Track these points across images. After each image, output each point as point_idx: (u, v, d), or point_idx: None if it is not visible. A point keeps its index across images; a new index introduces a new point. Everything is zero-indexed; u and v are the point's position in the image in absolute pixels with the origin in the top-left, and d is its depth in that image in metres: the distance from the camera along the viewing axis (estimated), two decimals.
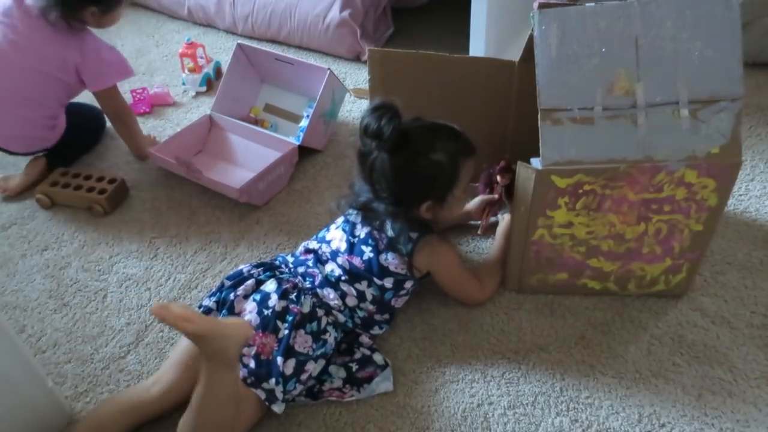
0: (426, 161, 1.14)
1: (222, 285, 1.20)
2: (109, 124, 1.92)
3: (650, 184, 1.10)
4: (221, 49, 2.37)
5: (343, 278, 1.19)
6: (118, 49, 1.81)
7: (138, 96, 2.04)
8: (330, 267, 1.21)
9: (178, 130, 1.82)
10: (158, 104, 2.07)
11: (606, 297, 1.30)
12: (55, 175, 1.71)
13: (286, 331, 1.10)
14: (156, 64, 2.34)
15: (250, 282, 1.17)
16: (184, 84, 2.14)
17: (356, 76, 2.14)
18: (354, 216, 1.23)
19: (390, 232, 1.17)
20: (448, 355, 1.23)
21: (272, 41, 2.39)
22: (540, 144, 1.09)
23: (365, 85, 1.84)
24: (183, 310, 0.94)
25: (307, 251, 1.26)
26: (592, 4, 1.08)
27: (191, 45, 2.11)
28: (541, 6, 1.09)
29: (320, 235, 1.29)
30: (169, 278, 1.45)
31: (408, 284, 1.22)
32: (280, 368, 1.07)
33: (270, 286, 1.15)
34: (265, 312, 1.11)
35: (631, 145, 1.08)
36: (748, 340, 1.21)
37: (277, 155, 1.64)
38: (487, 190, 1.42)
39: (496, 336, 1.25)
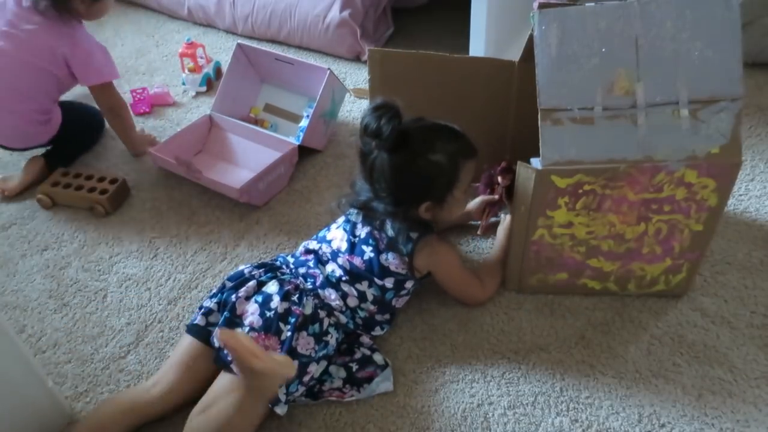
0: (425, 162, 1.13)
1: (223, 286, 1.20)
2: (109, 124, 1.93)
3: (650, 184, 1.10)
4: (221, 49, 2.37)
5: (343, 279, 1.19)
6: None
7: (138, 96, 2.04)
8: (331, 267, 1.21)
9: (178, 130, 1.82)
10: (158, 104, 2.07)
11: (606, 297, 1.30)
12: (56, 176, 1.71)
13: (289, 333, 1.09)
14: (156, 64, 2.34)
15: (252, 283, 1.17)
16: (184, 84, 2.14)
17: (356, 76, 2.14)
18: (355, 215, 1.23)
19: (390, 232, 1.17)
20: (448, 355, 1.23)
21: (272, 41, 2.39)
22: (540, 144, 1.09)
23: (365, 85, 1.84)
24: (252, 344, 0.97)
25: (308, 251, 1.26)
26: (592, 4, 1.08)
27: (191, 45, 2.11)
28: (541, 6, 1.09)
29: (320, 234, 1.29)
30: (169, 278, 1.45)
31: (408, 284, 1.22)
32: None
33: (272, 287, 1.15)
34: (268, 314, 1.10)
35: (631, 145, 1.08)
36: (748, 340, 1.21)
37: (277, 155, 1.64)
38: (488, 190, 1.42)
39: (496, 336, 1.25)
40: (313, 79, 1.75)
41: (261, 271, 1.21)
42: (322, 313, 1.16)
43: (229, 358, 1.07)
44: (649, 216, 1.15)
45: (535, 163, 1.12)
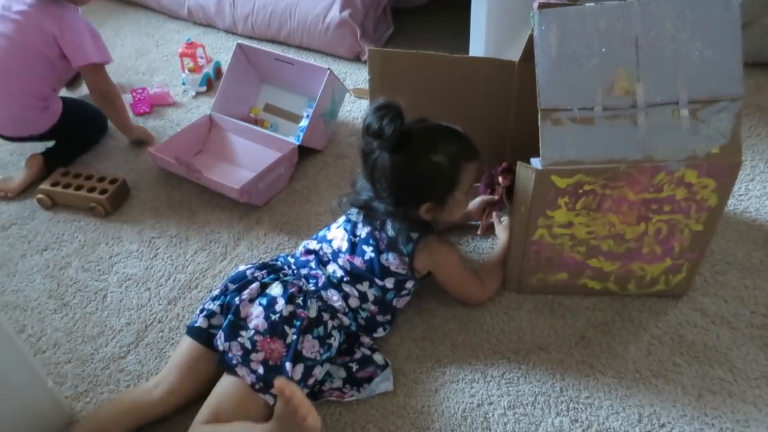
0: (427, 162, 1.13)
1: (226, 288, 1.19)
2: (109, 124, 1.93)
3: (650, 184, 1.10)
4: (221, 49, 2.37)
5: (345, 279, 1.19)
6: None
7: (138, 96, 2.04)
8: (332, 268, 1.21)
9: (178, 130, 1.82)
10: (158, 104, 2.07)
11: (606, 297, 1.30)
12: (56, 176, 1.71)
13: (294, 337, 1.09)
14: (156, 64, 2.34)
15: (255, 285, 1.16)
16: (184, 84, 2.14)
17: (356, 76, 2.14)
18: (355, 215, 1.23)
19: (390, 232, 1.17)
20: (448, 355, 1.23)
21: (272, 41, 2.39)
22: (540, 144, 1.09)
23: (365, 85, 1.84)
24: (307, 401, 0.95)
25: (308, 252, 1.26)
26: (592, 4, 1.08)
27: (191, 45, 2.11)
28: (541, 6, 1.09)
29: (320, 234, 1.29)
30: (169, 278, 1.45)
31: (409, 284, 1.22)
32: (289, 374, 1.07)
33: (276, 289, 1.15)
34: (273, 317, 1.10)
35: (631, 145, 1.08)
36: (748, 340, 1.21)
37: (277, 155, 1.64)
38: (488, 190, 1.42)
39: (496, 336, 1.25)
40: (313, 79, 1.75)
41: (263, 272, 1.20)
42: (326, 316, 1.16)
43: (234, 362, 1.08)
44: (649, 216, 1.15)
45: (535, 163, 1.12)
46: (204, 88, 2.12)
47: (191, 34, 2.44)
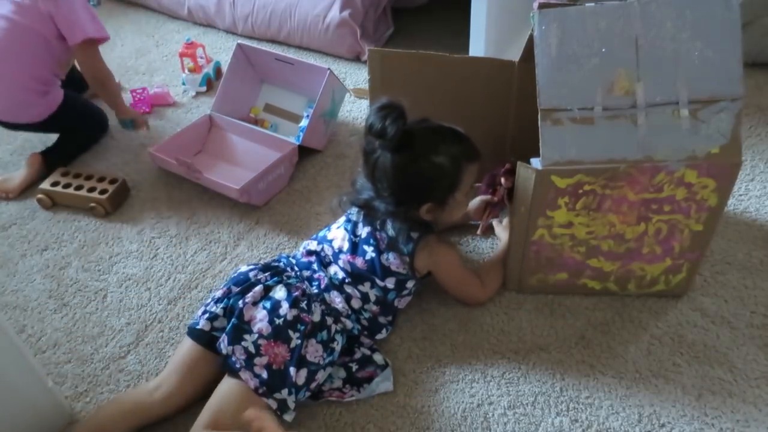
0: (428, 163, 1.13)
1: (229, 291, 1.18)
2: (112, 122, 1.93)
3: (650, 184, 1.10)
4: (221, 49, 2.37)
5: (346, 281, 1.19)
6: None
7: (138, 96, 2.04)
8: (333, 269, 1.21)
9: (178, 130, 1.82)
10: (158, 104, 2.07)
11: (606, 297, 1.30)
12: (56, 176, 1.71)
13: (298, 341, 1.09)
14: (156, 64, 2.34)
15: (258, 288, 1.15)
16: (184, 84, 2.14)
17: (356, 76, 2.15)
18: (356, 215, 1.23)
19: (391, 232, 1.17)
20: (448, 355, 1.23)
21: (272, 41, 2.39)
22: (540, 144, 1.09)
23: (365, 85, 1.84)
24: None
25: (309, 253, 1.26)
26: (592, 4, 1.08)
27: (191, 45, 2.11)
28: (541, 6, 1.09)
29: (321, 234, 1.29)
30: (169, 278, 1.45)
31: (410, 284, 1.22)
32: (293, 379, 1.07)
33: (280, 293, 1.14)
34: (277, 321, 1.10)
35: (631, 145, 1.08)
36: (748, 340, 1.21)
37: (277, 155, 1.64)
38: (489, 190, 1.41)
39: (496, 336, 1.25)
40: (313, 79, 1.75)
41: (267, 275, 1.19)
42: (329, 320, 1.15)
43: (237, 366, 1.07)
44: (649, 216, 1.15)
45: (535, 163, 1.12)
46: (204, 88, 2.12)
47: (191, 34, 2.44)
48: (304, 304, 1.13)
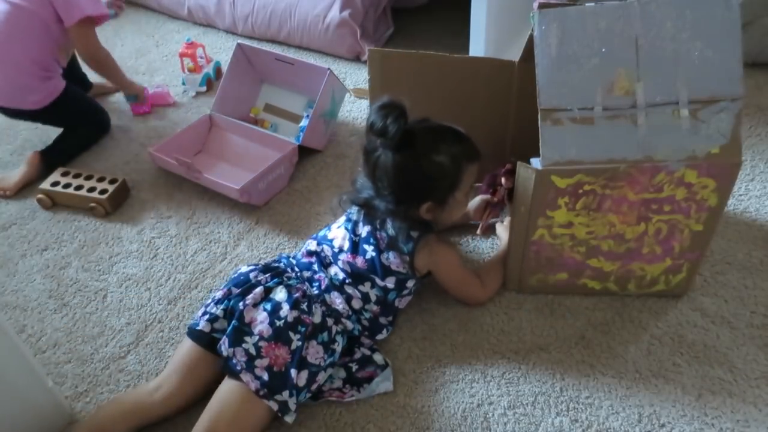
0: (428, 162, 1.14)
1: (229, 292, 1.18)
2: (115, 121, 1.94)
3: (650, 184, 1.10)
4: (221, 49, 2.37)
5: (347, 281, 1.19)
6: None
7: None
8: (333, 270, 1.21)
9: (178, 130, 1.82)
10: (158, 104, 2.07)
11: (606, 297, 1.30)
12: (56, 176, 1.71)
13: (299, 343, 1.09)
14: (156, 64, 2.34)
15: (259, 290, 1.15)
16: (184, 84, 2.14)
17: (356, 76, 2.15)
18: (356, 214, 1.23)
19: (390, 231, 1.17)
20: (448, 355, 1.23)
21: (272, 41, 2.39)
22: (540, 144, 1.09)
23: (365, 85, 1.84)
24: None
25: (309, 254, 1.26)
26: (592, 4, 1.08)
27: (191, 45, 2.11)
28: (541, 6, 1.09)
29: (321, 234, 1.29)
30: (169, 278, 1.45)
31: (410, 284, 1.22)
32: (294, 380, 1.07)
33: (280, 294, 1.14)
34: (278, 323, 1.10)
35: (631, 145, 1.08)
36: (748, 340, 1.21)
37: (277, 155, 1.64)
38: (490, 190, 1.41)
39: (496, 336, 1.25)
40: (313, 79, 1.75)
41: (267, 276, 1.19)
42: (330, 321, 1.15)
43: (238, 368, 1.07)
44: (649, 216, 1.15)
45: (535, 163, 1.12)
46: (204, 88, 2.12)
47: (191, 34, 2.44)
48: (304, 306, 1.13)
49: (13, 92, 1.74)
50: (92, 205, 1.63)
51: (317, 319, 1.13)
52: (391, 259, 1.17)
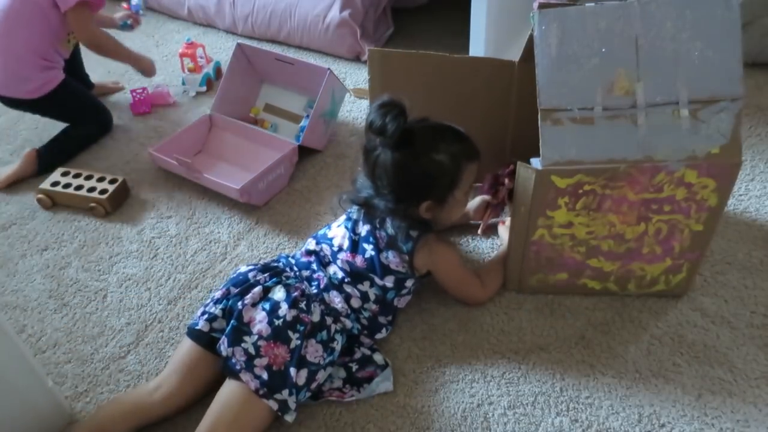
0: (428, 161, 1.14)
1: (228, 292, 1.18)
2: (115, 121, 1.94)
3: (650, 184, 1.10)
4: (221, 49, 2.37)
5: (346, 280, 1.19)
6: None
7: (138, 96, 2.03)
8: (332, 269, 1.21)
9: (178, 130, 1.82)
10: (158, 104, 2.07)
11: (606, 297, 1.30)
12: (56, 175, 1.71)
13: (298, 342, 1.09)
14: (156, 64, 2.33)
15: (258, 289, 1.15)
16: (184, 84, 2.14)
17: (356, 76, 2.15)
18: (356, 213, 1.23)
19: (390, 230, 1.17)
20: (448, 355, 1.23)
21: (272, 41, 2.39)
22: (540, 144, 1.09)
23: (365, 85, 1.84)
24: None
25: (308, 253, 1.26)
26: (592, 4, 1.08)
27: (191, 45, 2.11)
28: (541, 6, 1.09)
29: (320, 233, 1.29)
30: (169, 278, 1.45)
31: (409, 283, 1.22)
32: (293, 379, 1.07)
33: (279, 294, 1.14)
34: (276, 322, 1.10)
35: (631, 145, 1.08)
36: (748, 340, 1.21)
37: (277, 155, 1.64)
38: (492, 191, 1.40)
39: (496, 336, 1.25)
40: (313, 79, 1.75)
41: (266, 275, 1.19)
42: (329, 320, 1.15)
43: (238, 368, 1.07)
44: (649, 216, 1.15)
45: (535, 163, 1.12)
46: (204, 88, 2.12)
47: (191, 34, 2.44)
48: (303, 305, 1.13)
49: (9, 81, 1.75)
50: (92, 205, 1.63)
51: (316, 317, 1.13)
52: (391, 258, 1.17)
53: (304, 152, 1.74)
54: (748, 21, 1.86)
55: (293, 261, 1.26)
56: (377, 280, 1.18)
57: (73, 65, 1.96)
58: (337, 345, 1.15)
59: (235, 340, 1.09)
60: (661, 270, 1.24)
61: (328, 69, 1.70)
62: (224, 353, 1.09)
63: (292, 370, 1.07)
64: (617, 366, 1.18)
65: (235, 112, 1.86)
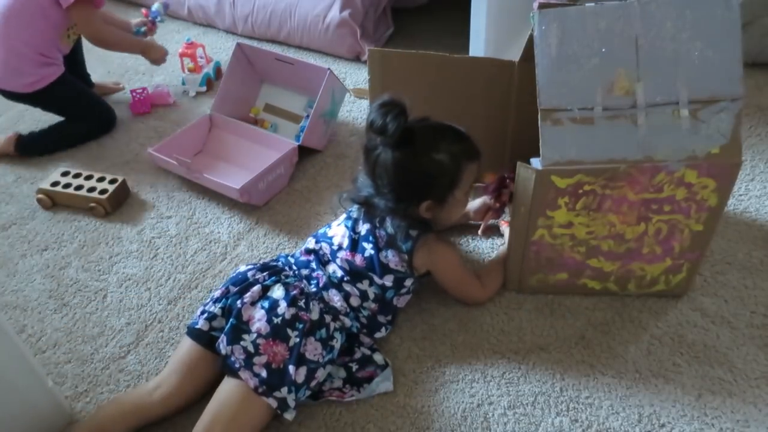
0: (428, 160, 1.14)
1: (227, 291, 1.18)
2: (118, 120, 1.95)
3: (650, 184, 1.10)
4: (221, 49, 2.37)
5: (345, 279, 1.19)
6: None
7: (138, 96, 2.03)
8: (332, 268, 1.21)
9: (178, 130, 1.82)
10: (158, 104, 2.07)
11: (606, 297, 1.30)
12: (56, 175, 1.71)
13: (297, 340, 1.09)
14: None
15: (257, 288, 1.15)
16: (184, 84, 2.14)
17: (356, 76, 2.15)
18: (356, 212, 1.23)
19: (390, 229, 1.17)
20: (448, 355, 1.23)
21: (272, 41, 2.39)
22: (540, 144, 1.09)
23: (365, 85, 1.84)
24: None
25: (308, 252, 1.26)
26: (592, 4, 1.08)
27: (191, 45, 2.11)
28: (541, 6, 1.09)
29: (320, 232, 1.29)
30: (169, 278, 1.45)
31: (408, 282, 1.22)
32: (293, 377, 1.07)
33: (278, 292, 1.14)
34: (275, 320, 1.10)
35: (631, 145, 1.08)
36: (748, 340, 1.21)
37: (277, 155, 1.64)
38: (496, 193, 1.40)
39: (496, 336, 1.25)
40: (313, 79, 1.75)
41: (265, 274, 1.20)
42: (327, 318, 1.15)
43: (237, 366, 1.07)
44: (649, 216, 1.15)
45: (535, 163, 1.12)
46: (204, 88, 2.12)
47: (191, 34, 2.44)
48: (302, 303, 1.14)
49: (8, 75, 1.76)
50: (92, 205, 1.63)
51: (315, 315, 1.13)
52: (390, 257, 1.18)
53: (304, 152, 1.74)
54: (748, 21, 1.86)
55: (292, 260, 1.26)
56: (376, 279, 1.18)
57: (74, 63, 1.96)
58: (337, 343, 1.15)
59: (234, 338, 1.09)
60: (661, 270, 1.24)
61: (328, 69, 1.70)
62: (223, 351, 1.09)
63: (291, 368, 1.07)
64: (617, 366, 1.18)
65: (235, 112, 1.86)
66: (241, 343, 1.09)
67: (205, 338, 1.14)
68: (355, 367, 1.18)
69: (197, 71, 2.11)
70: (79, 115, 1.87)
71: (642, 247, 1.20)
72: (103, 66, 2.30)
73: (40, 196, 1.67)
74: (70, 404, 1.19)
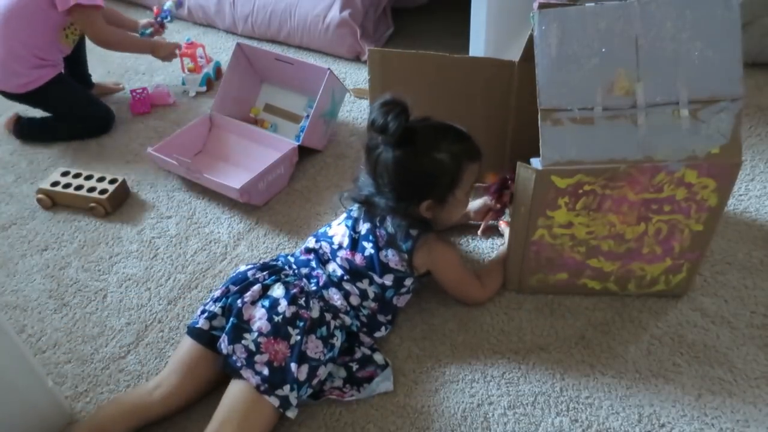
0: (429, 159, 1.14)
1: (227, 290, 1.18)
2: (118, 120, 1.95)
3: (650, 184, 1.10)
4: (221, 49, 2.37)
5: (345, 278, 1.19)
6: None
7: (138, 96, 2.04)
8: (332, 267, 1.21)
9: (178, 130, 1.82)
10: (158, 104, 2.07)
11: (606, 297, 1.30)
12: (56, 175, 1.71)
13: (298, 338, 1.09)
14: (156, 64, 2.32)
15: (257, 287, 1.16)
16: (184, 84, 2.14)
17: (356, 76, 2.15)
18: (357, 211, 1.23)
19: (390, 229, 1.17)
20: (448, 355, 1.23)
21: (272, 41, 2.39)
22: (540, 144, 1.09)
23: (365, 85, 1.84)
24: None
25: (308, 251, 1.26)
26: (592, 4, 1.08)
27: (191, 45, 2.12)
28: (541, 6, 1.09)
29: (320, 231, 1.29)
30: (169, 278, 1.45)
31: (408, 282, 1.21)
32: (295, 375, 1.07)
33: (278, 291, 1.14)
34: (276, 318, 1.10)
35: (631, 145, 1.08)
36: (748, 340, 1.21)
37: (277, 155, 1.64)
38: (497, 194, 1.39)
39: (496, 336, 1.25)
40: (313, 79, 1.75)
41: (265, 273, 1.20)
42: (328, 316, 1.15)
43: (238, 365, 1.07)
44: (649, 216, 1.15)
45: (535, 163, 1.12)
46: (204, 88, 2.12)
47: (191, 34, 2.44)
48: (302, 301, 1.14)
49: (5, 75, 1.78)
50: (92, 205, 1.63)
51: (315, 313, 1.13)
52: (390, 256, 1.18)
53: (304, 152, 1.74)
54: (748, 21, 1.86)
55: (292, 259, 1.26)
56: (376, 278, 1.18)
57: (76, 63, 1.96)
58: (337, 341, 1.15)
59: (235, 337, 1.09)
60: (661, 270, 1.24)
61: (328, 69, 1.70)
62: (225, 351, 1.09)
63: (293, 366, 1.07)
64: (617, 366, 1.18)
65: (235, 112, 1.86)
66: (243, 342, 1.09)
67: (205, 338, 1.14)
68: (355, 366, 1.18)
69: (197, 71, 2.11)
70: (74, 116, 1.88)
71: (642, 247, 1.20)
72: (103, 66, 2.30)
73: (40, 196, 1.67)
74: (70, 404, 1.19)
